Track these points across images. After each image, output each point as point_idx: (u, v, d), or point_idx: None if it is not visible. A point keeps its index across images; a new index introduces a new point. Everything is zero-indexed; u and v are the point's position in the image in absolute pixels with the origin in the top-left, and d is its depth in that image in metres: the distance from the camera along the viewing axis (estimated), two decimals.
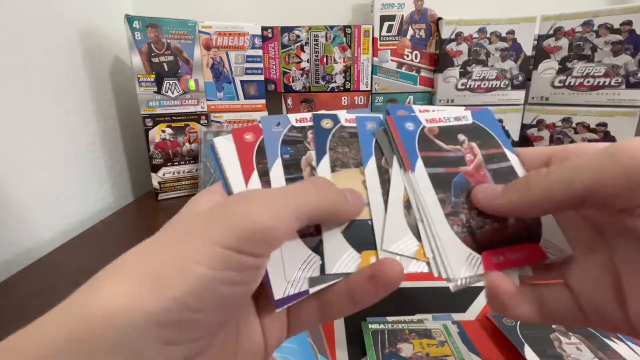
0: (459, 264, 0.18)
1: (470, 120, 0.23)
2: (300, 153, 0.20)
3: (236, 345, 0.16)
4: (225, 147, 0.20)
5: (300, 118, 0.22)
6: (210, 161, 0.67)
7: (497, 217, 0.19)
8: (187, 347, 0.13)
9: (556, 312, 0.18)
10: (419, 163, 0.20)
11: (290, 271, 0.17)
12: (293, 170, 0.20)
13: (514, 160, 0.22)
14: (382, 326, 0.32)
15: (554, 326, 0.31)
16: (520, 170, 0.21)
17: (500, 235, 0.19)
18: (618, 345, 0.29)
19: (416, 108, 0.23)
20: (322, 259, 0.18)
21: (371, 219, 0.19)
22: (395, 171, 0.20)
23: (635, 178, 0.14)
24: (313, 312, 0.18)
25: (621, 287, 0.16)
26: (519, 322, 0.32)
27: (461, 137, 0.22)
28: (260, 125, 0.21)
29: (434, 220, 0.19)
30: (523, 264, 0.19)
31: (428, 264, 0.18)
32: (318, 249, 0.18)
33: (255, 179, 0.19)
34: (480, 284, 0.18)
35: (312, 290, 0.17)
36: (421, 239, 0.19)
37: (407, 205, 0.19)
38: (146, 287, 0.12)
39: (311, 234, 0.18)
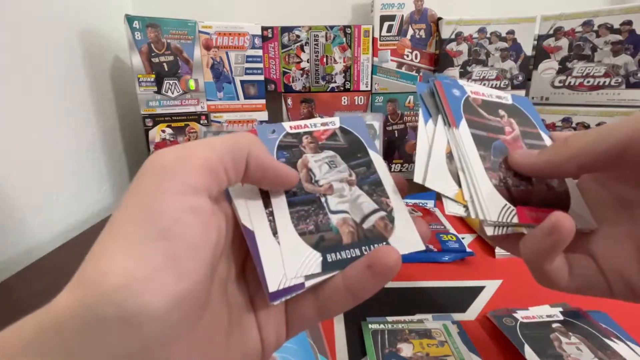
0: (495, 209, 0.19)
1: (510, 102, 0.25)
2: (296, 156, 0.21)
3: (228, 339, 0.16)
4: None
5: (294, 125, 0.23)
6: None
7: (531, 182, 0.21)
8: (183, 321, 0.13)
9: (581, 278, 0.19)
10: (463, 122, 0.22)
11: (288, 266, 0.17)
12: None
13: (547, 141, 0.23)
14: (382, 326, 0.32)
15: (553, 326, 0.31)
16: None
17: (534, 196, 0.21)
18: (618, 345, 0.29)
19: (460, 81, 0.25)
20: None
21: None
22: (440, 127, 0.22)
23: None
24: (311, 309, 0.18)
25: None
26: (519, 322, 0.32)
27: (502, 112, 0.24)
28: (282, 124, 0.22)
29: (474, 170, 0.20)
30: None
31: (466, 207, 0.19)
32: (318, 245, 0.18)
33: None
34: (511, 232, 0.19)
35: (308, 284, 0.17)
36: (461, 185, 0.20)
37: (450, 156, 0.21)
38: (162, 261, 0.12)
39: (310, 231, 0.18)
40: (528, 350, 0.28)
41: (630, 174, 0.18)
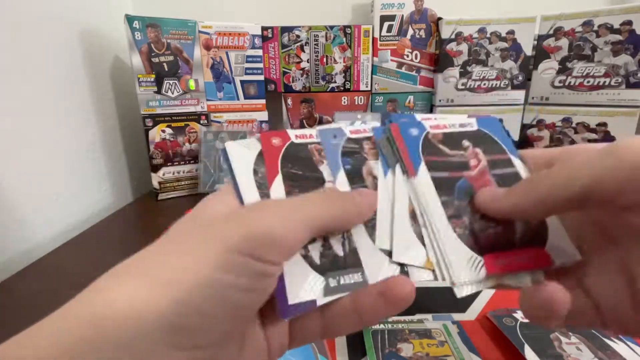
0: (460, 266, 0.18)
1: (475, 127, 0.23)
2: (359, 163, 0.21)
3: (240, 352, 0.16)
4: (238, 153, 0.20)
5: (354, 130, 0.22)
6: (210, 162, 0.67)
7: (500, 221, 0.19)
8: (194, 353, 0.13)
9: (574, 313, 0.17)
10: (422, 167, 0.20)
11: (303, 282, 0.17)
12: (357, 181, 0.20)
13: (519, 165, 0.21)
14: (382, 326, 0.32)
15: None
16: (525, 175, 0.21)
17: (504, 238, 0.19)
18: (618, 345, 0.29)
19: (419, 116, 0.23)
20: (361, 269, 0.18)
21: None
22: (399, 180, 0.20)
23: (635, 175, 0.14)
24: (316, 326, 0.17)
25: (637, 290, 0.16)
26: (519, 322, 0.32)
27: (465, 143, 0.22)
28: (287, 131, 0.21)
29: (436, 222, 0.19)
30: (528, 268, 0.18)
31: (434, 271, 0.18)
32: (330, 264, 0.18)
33: (279, 182, 0.19)
34: (487, 289, 0.18)
35: (320, 302, 0.16)
36: (425, 246, 0.19)
37: (413, 216, 0.19)
38: (158, 289, 0.12)
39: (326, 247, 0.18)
40: (528, 350, 0.28)
41: (602, 212, 0.17)
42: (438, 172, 0.20)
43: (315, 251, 0.18)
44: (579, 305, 0.18)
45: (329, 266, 0.17)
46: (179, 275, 0.13)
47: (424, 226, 0.19)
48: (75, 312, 0.12)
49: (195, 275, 0.13)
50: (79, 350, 0.11)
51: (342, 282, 0.17)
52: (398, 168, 0.21)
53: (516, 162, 0.22)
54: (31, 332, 0.12)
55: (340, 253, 0.18)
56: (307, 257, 0.17)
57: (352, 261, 0.18)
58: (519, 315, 0.33)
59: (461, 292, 0.17)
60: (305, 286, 0.17)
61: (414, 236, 0.19)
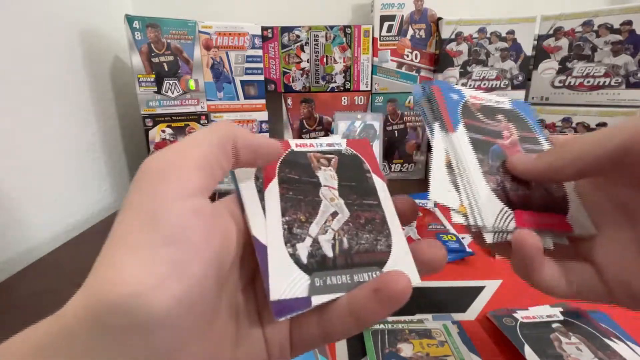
0: (492, 214, 0.19)
1: (509, 106, 0.25)
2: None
3: (235, 351, 0.16)
4: (247, 186, 0.20)
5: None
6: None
7: (529, 186, 0.21)
8: (191, 328, 0.13)
9: (580, 284, 0.19)
10: (461, 126, 0.22)
11: (286, 280, 0.17)
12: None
13: (545, 146, 0.23)
14: (382, 326, 0.32)
15: (553, 326, 0.31)
16: None
17: (532, 201, 0.20)
18: (618, 345, 0.29)
19: (458, 86, 0.25)
20: (351, 271, 0.18)
21: None
22: (437, 135, 0.21)
23: None
24: (315, 329, 0.17)
25: None
26: (519, 322, 0.32)
27: (500, 116, 0.24)
28: (288, 141, 0.22)
29: (472, 174, 0.20)
30: (551, 229, 0.20)
31: (465, 215, 0.19)
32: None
33: (274, 184, 0.20)
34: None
35: (314, 301, 0.16)
36: (459, 192, 0.20)
37: (449, 166, 0.21)
38: (169, 268, 0.12)
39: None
40: (528, 350, 0.28)
41: (631, 177, 0.18)
42: (475, 133, 0.22)
43: (303, 250, 0.18)
44: (587, 278, 0.19)
45: (316, 266, 0.17)
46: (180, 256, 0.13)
47: (459, 175, 0.20)
48: (90, 291, 0.12)
49: (194, 254, 0.13)
50: (95, 327, 0.11)
51: (328, 282, 0.17)
52: (437, 125, 0.22)
53: (543, 142, 0.24)
54: (50, 318, 0.12)
55: (330, 254, 0.18)
56: (293, 256, 0.17)
57: (341, 263, 0.18)
58: (519, 315, 0.33)
59: (489, 239, 0.19)
60: (289, 283, 0.16)
61: (449, 183, 0.20)
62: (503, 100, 0.25)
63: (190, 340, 0.13)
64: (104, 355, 0.11)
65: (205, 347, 0.14)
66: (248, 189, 0.19)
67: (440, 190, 0.20)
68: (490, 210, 0.19)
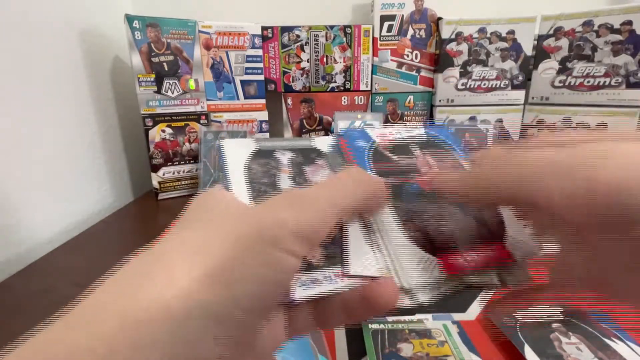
0: (412, 268, 0.17)
1: (424, 136, 0.24)
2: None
3: (252, 349, 0.16)
4: (232, 149, 0.20)
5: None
6: (210, 161, 0.67)
7: (454, 217, 0.19)
8: (230, 344, 0.13)
9: (560, 281, 0.18)
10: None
11: None
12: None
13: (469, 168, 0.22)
14: (382, 326, 0.32)
15: (553, 326, 0.31)
16: None
17: (461, 236, 0.18)
18: (618, 345, 0.29)
19: (369, 131, 0.23)
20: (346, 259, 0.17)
21: None
22: None
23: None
24: (309, 317, 0.17)
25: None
26: (519, 322, 0.32)
27: (415, 150, 0.22)
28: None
29: (387, 227, 0.18)
30: (489, 265, 0.18)
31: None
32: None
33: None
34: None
35: (298, 296, 0.16)
36: (379, 250, 0.18)
37: (365, 225, 0.19)
38: (204, 281, 0.12)
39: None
40: (528, 350, 0.28)
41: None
42: (387, 178, 0.20)
43: None
44: (562, 279, 0.18)
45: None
46: (220, 270, 0.13)
47: (376, 232, 0.18)
48: (120, 301, 0.12)
49: (237, 269, 0.13)
50: (123, 338, 0.11)
51: (313, 278, 0.16)
52: None
53: (466, 165, 0.21)
54: (70, 320, 0.12)
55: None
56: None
57: (330, 262, 0.17)
58: (519, 315, 0.33)
59: (418, 299, 0.16)
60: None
61: (366, 245, 0.18)
62: (417, 131, 0.24)
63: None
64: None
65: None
66: (239, 182, 0.19)
67: (358, 258, 0.17)
68: (410, 265, 0.17)
